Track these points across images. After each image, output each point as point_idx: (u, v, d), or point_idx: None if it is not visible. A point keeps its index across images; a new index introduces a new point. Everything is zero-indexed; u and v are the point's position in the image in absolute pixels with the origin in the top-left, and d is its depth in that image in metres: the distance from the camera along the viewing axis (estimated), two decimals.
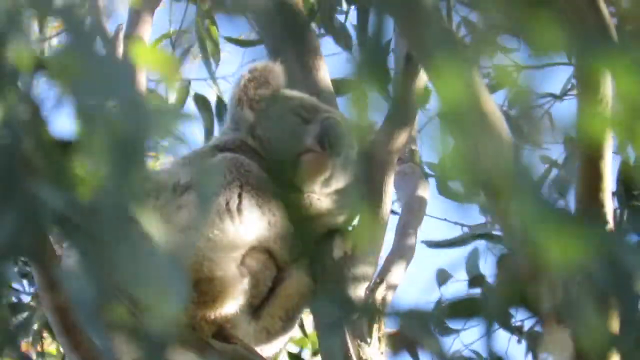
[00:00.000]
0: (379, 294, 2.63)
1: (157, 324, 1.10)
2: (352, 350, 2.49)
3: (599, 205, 1.68)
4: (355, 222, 2.75)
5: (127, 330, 1.17)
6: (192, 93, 4.09)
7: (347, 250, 2.67)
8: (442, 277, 3.54)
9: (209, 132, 3.93)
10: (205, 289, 2.40)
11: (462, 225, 3.90)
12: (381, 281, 2.68)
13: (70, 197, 1.10)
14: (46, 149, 1.11)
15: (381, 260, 2.74)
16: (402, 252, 2.82)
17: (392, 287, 2.73)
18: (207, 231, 2.43)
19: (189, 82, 4.14)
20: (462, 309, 1.31)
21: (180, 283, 1.12)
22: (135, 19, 3.51)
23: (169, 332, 1.10)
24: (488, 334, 1.29)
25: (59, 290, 2.04)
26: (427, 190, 3.03)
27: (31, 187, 1.08)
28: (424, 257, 3.72)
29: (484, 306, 1.29)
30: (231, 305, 2.45)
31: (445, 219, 3.90)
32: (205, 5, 3.93)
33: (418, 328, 1.26)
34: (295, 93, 2.78)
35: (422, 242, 3.01)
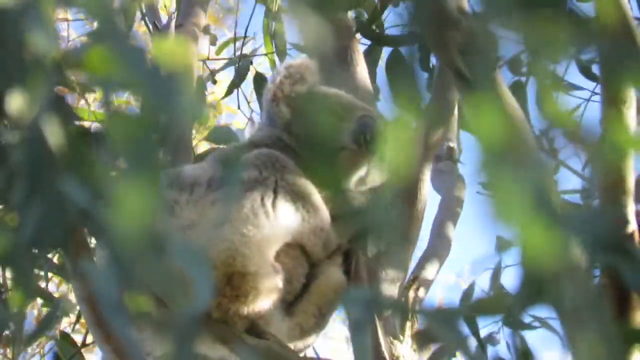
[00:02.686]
0: (413, 291, 2.62)
1: (182, 318, 1.10)
2: (384, 348, 2.49)
3: (620, 206, 1.67)
4: (390, 220, 2.75)
5: (154, 323, 1.18)
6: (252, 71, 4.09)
7: (382, 248, 2.67)
8: (502, 244, 3.64)
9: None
10: (238, 284, 2.40)
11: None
12: (415, 279, 2.68)
13: (94, 189, 1.10)
14: (71, 141, 1.12)
15: (416, 258, 2.73)
16: (437, 250, 2.81)
17: (427, 285, 2.72)
18: (241, 226, 2.43)
19: (251, 61, 4.14)
20: (489, 306, 1.30)
21: (205, 278, 1.12)
22: (188, 9, 3.53)
23: (195, 325, 1.10)
24: (514, 331, 1.29)
25: (90, 281, 2.05)
26: (464, 189, 3.01)
27: (57, 180, 1.09)
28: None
29: (508, 303, 1.29)
30: (264, 301, 2.45)
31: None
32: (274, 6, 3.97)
33: (443, 326, 1.26)
34: (332, 90, 2.78)
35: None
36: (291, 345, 2.55)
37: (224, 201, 2.41)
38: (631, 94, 1.65)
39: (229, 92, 4.16)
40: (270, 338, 2.46)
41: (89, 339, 3.62)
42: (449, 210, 2.93)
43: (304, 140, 2.70)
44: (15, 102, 1.08)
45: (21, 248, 1.07)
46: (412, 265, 2.70)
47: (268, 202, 2.48)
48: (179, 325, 1.09)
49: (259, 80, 3.97)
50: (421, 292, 2.64)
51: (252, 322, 2.45)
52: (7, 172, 1.09)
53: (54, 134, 1.09)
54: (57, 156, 1.10)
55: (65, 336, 3.42)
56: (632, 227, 1.87)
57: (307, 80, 2.74)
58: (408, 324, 2.52)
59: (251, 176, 2.50)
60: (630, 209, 1.86)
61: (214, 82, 4.64)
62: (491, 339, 3.40)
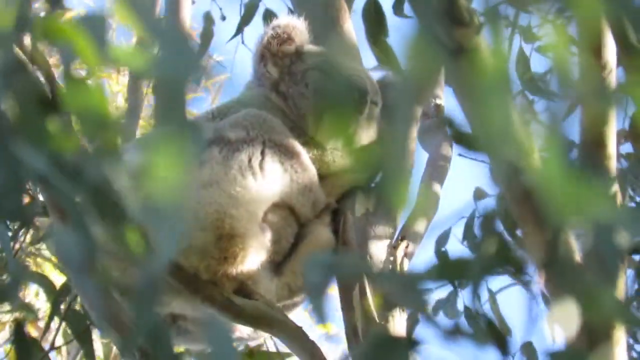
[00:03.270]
0: (401, 250, 2.63)
1: (144, 276, 1.10)
2: (372, 308, 2.50)
3: (603, 168, 1.68)
4: (377, 178, 2.74)
5: (117, 285, 1.18)
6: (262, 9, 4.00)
7: (369, 207, 2.67)
8: (479, 194, 3.85)
9: None
10: (227, 245, 2.40)
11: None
12: (403, 238, 2.68)
13: (53, 156, 1.10)
14: (28, 108, 1.11)
15: (404, 217, 2.72)
16: (425, 208, 2.81)
17: (415, 243, 2.72)
18: (229, 188, 2.43)
19: None
20: (451, 269, 1.31)
21: (170, 233, 1.12)
22: None
23: (158, 282, 1.10)
24: (474, 295, 1.29)
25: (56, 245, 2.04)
26: (451, 146, 3.00)
27: (14, 147, 1.08)
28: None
29: (470, 267, 1.29)
30: (253, 262, 2.45)
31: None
32: None
33: (403, 291, 1.26)
34: (319, 49, 2.76)
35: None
36: (280, 305, 2.56)
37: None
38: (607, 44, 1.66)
39: (238, 30, 4.05)
40: (258, 298, 2.47)
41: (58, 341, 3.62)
42: (437, 168, 2.92)
43: (291, 100, 2.68)
44: None
45: None
46: (400, 224, 2.69)
47: (256, 162, 2.48)
48: (141, 283, 1.09)
49: (269, 17, 3.87)
50: (410, 249, 2.63)
51: (240, 283, 2.46)
52: None
53: (8, 101, 1.08)
54: (13, 123, 1.09)
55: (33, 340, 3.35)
56: None
57: (295, 40, 2.72)
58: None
59: (239, 136, 2.49)
60: (613, 171, 1.86)
61: (223, 18, 4.55)
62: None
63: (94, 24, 1.11)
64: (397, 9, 3.45)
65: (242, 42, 4.22)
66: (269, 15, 3.86)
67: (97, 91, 1.11)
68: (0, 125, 1.06)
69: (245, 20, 3.97)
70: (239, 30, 4.04)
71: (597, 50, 1.63)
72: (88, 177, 1.10)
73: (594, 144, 1.69)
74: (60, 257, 1.14)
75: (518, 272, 1.34)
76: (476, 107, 1.52)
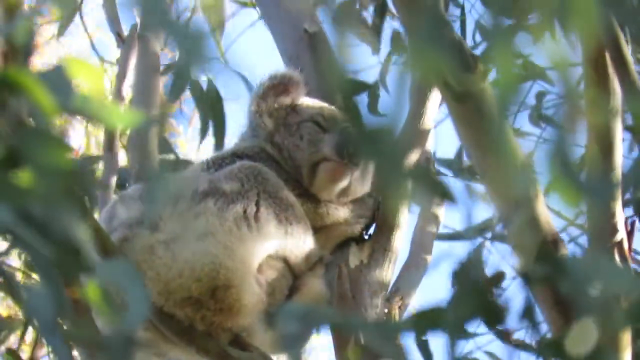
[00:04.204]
0: (395, 302, 2.63)
1: (116, 337, 1.09)
2: None
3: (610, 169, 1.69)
4: (371, 231, 2.75)
5: (88, 342, 1.17)
6: None
7: (364, 259, 2.67)
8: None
9: None
10: (222, 296, 2.39)
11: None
12: (397, 290, 2.68)
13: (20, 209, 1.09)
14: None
15: (397, 269, 2.73)
16: (418, 261, 2.82)
17: (409, 296, 2.72)
18: (225, 239, 2.42)
19: None
20: (427, 319, 1.31)
21: (140, 295, 1.11)
22: None
23: (129, 344, 1.09)
24: (451, 344, 1.30)
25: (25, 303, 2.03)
26: (443, 201, 3.02)
27: None
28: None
29: (446, 317, 1.29)
30: (248, 313, 2.44)
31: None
32: None
33: (383, 342, 1.26)
34: (314, 101, 2.78)
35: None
36: (274, 358, 2.54)
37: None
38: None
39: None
40: (253, 350, 2.45)
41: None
42: (429, 221, 2.94)
43: (286, 152, 2.70)
44: None
45: None
46: (394, 276, 2.70)
47: (250, 214, 2.48)
48: (113, 345, 1.08)
49: None
50: (405, 301, 2.64)
51: (235, 334, 2.44)
52: None
53: None
54: None
55: (11, 352, 3.31)
56: (620, 235, 1.88)
57: (291, 92, 2.74)
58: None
59: (234, 188, 2.49)
60: (620, 217, 1.87)
61: None
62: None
63: (58, 77, 1.12)
64: (372, 107, 3.47)
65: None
66: None
67: (58, 142, 1.10)
68: None
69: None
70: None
71: (597, 62, 1.66)
72: (54, 231, 1.09)
73: (600, 156, 1.71)
74: (30, 313, 1.13)
75: (495, 322, 1.34)
76: (481, 148, 1.55)
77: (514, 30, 1.29)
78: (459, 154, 3.74)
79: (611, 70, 1.65)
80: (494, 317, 1.34)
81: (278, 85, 2.73)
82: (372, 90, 3.28)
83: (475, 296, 1.33)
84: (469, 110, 1.57)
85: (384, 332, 1.26)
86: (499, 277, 1.39)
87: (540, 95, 3.49)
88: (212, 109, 2.45)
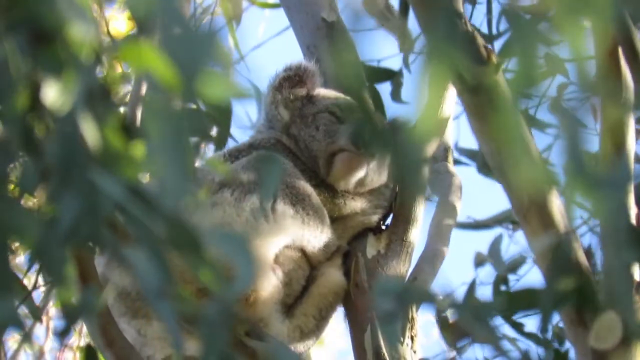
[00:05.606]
0: None
1: (218, 308, 1.11)
2: (384, 349, 2.50)
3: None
4: (388, 221, 2.75)
5: (190, 315, 1.19)
6: None
7: (381, 249, 2.67)
8: (479, 259, 3.72)
9: None
10: None
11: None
12: (414, 280, 2.68)
13: (130, 184, 1.10)
14: (109, 134, 1.11)
15: (414, 259, 2.73)
16: (435, 251, 2.81)
17: (427, 284, 2.72)
18: (241, 229, 2.43)
19: None
20: (520, 300, 1.31)
21: (249, 264, 1.13)
22: None
23: (230, 316, 1.11)
24: (545, 326, 1.30)
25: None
26: (461, 189, 3.01)
27: (92, 175, 1.08)
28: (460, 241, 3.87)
29: (542, 298, 1.29)
30: (264, 304, 2.45)
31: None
32: None
33: (475, 320, 1.26)
34: (330, 92, 2.78)
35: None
36: (291, 347, 2.55)
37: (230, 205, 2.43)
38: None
39: None
40: (270, 341, 2.46)
41: None
42: (447, 211, 2.93)
43: (302, 143, 2.70)
44: (50, 93, 1.08)
45: (56, 242, 1.07)
46: (411, 266, 2.70)
47: (267, 205, 2.48)
48: (211, 315, 1.10)
49: None
50: None
51: (252, 325, 2.45)
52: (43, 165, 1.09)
53: (89, 127, 1.09)
54: (92, 150, 1.09)
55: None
56: None
57: (307, 83, 2.74)
58: (408, 325, 2.52)
59: (250, 179, 2.50)
60: (632, 210, 1.86)
61: None
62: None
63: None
64: (395, 94, 3.46)
65: None
66: None
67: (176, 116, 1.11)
68: (79, 152, 1.07)
69: None
70: None
71: (610, 56, 1.65)
72: (164, 207, 1.11)
73: (613, 149, 1.70)
74: (138, 282, 1.15)
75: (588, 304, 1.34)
76: (495, 141, 1.55)
77: (536, 21, 1.29)
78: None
79: (624, 64, 1.64)
80: (589, 299, 1.34)
81: (293, 77, 2.73)
82: (395, 77, 3.27)
83: (571, 278, 1.33)
84: (481, 102, 1.56)
85: (477, 312, 1.26)
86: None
87: (561, 87, 3.47)
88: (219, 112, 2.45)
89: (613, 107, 1.56)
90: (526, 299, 1.27)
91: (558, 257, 1.38)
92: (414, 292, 1.38)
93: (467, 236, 3.91)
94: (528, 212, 1.58)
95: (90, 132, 1.07)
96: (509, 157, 1.55)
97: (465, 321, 1.25)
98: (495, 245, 3.53)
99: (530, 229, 1.59)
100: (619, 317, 1.28)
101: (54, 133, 1.06)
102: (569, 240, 1.55)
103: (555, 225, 1.63)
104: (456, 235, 2.94)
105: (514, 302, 1.27)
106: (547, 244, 1.52)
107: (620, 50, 1.64)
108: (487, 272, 3.62)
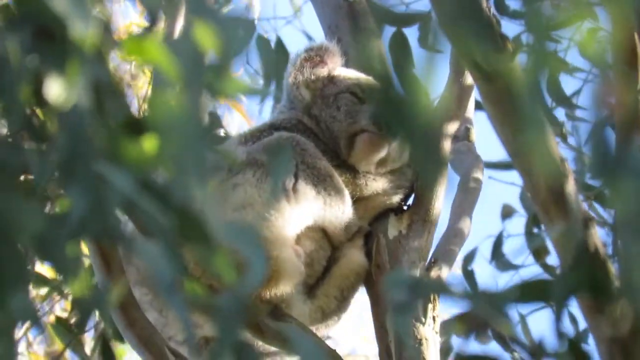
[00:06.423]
0: (434, 273, 2.62)
1: (232, 300, 1.11)
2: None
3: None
4: (410, 202, 2.74)
5: (204, 306, 1.19)
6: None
7: (402, 230, 2.67)
8: (507, 212, 3.79)
9: None
10: None
11: None
12: (436, 261, 2.67)
13: (139, 177, 1.10)
14: (114, 129, 1.11)
15: (436, 240, 2.72)
16: (457, 231, 2.81)
17: (447, 266, 2.72)
18: (263, 210, 2.43)
19: None
20: (532, 291, 1.31)
21: (260, 258, 1.13)
22: None
23: (244, 308, 1.11)
24: (558, 317, 1.29)
25: (115, 269, 2.07)
26: (482, 169, 3.00)
27: (100, 169, 1.08)
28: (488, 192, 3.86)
29: (553, 289, 1.29)
30: (286, 285, 2.45)
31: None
32: None
33: (490, 310, 1.26)
34: (352, 72, 2.77)
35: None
36: (313, 328, 2.55)
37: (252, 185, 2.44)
38: None
39: None
40: (292, 321, 2.47)
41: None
42: (468, 190, 2.92)
43: (324, 123, 2.69)
44: (54, 88, 1.08)
45: (65, 237, 1.07)
46: (433, 246, 2.69)
47: (289, 185, 2.48)
48: (226, 306, 1.10)
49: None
50: (443, 273, 2.63)
51: (274, 306, 2.46)
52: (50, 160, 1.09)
53: (94, 122, 1.09)
54: (98, 145, 1.09)
55: (60, 320, 3.34)
56: None
57: (328, 63, 2.73)
58: (430, 305, 2.51)
59: (271, 160, 2.50)
60: None
61: None
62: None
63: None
64: (423, 41, 3.45)
65: None
66: None
67: (184, 110, 1.11)
68: (88, 146, 1.07)
69: None
70: None
71: (627, 44, 1.64)
72: (174, 199, 1.11)
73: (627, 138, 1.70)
74: (150, 274, 1.15)
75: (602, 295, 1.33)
76: (511, 128, 1.54)
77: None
78: None
79: None
80: (602, 290, 1.34)
81: (314, 57, 2.72)
82: (424, 21, 3.23)
83: (584, 269, 1.33)
84: (497, 89, 1.55)
85: (491, 301, 1.26)
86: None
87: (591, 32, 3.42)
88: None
89: (628, 95, 1.54)
90: (541, 289, 1.26)
91: (574, 244, 1.37)
92: (426, 285, 1.37)
93: (493, 187, 3.84)
94: (545, 200, 1.57)
95: (96, 125, 1.07)
96: (525, 145, 1.54)
97: (481, 310, 1.25)
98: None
99: (548, 217, 1.58)
100: (633, 305, 1.27)
101: (61, 127, 1.06)
102: (586, 227, 1.54)
103: (573, 212, 1.62)
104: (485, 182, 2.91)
105: (527, 292, 1.26)
106: (563, 231, 1.51)
107: (637, 38, 1.63)
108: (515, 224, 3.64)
